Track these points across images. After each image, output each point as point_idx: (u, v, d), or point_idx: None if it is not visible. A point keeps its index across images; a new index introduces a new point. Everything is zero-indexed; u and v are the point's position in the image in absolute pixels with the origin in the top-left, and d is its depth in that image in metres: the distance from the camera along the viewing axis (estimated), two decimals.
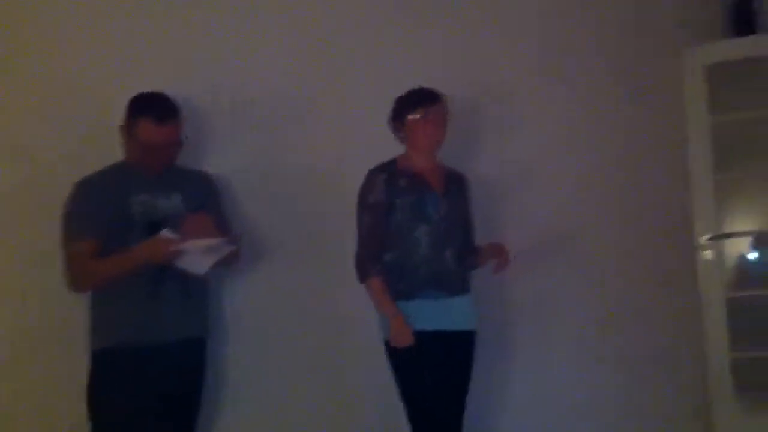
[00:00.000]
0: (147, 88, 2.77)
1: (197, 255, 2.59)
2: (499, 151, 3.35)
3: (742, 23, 3.32)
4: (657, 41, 3.37)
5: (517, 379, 3.29)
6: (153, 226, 2.64)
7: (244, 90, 3.23)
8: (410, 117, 2.84)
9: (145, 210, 2.69)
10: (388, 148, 2.90)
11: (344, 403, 3.19)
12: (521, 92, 3.37)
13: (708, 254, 3.26)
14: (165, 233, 2.58)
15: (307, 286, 3.21)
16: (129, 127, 2.71)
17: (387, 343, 2.76)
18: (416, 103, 2.84)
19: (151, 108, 2.68)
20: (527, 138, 3.34)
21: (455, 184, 2.95)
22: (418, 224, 2.78)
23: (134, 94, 2.74)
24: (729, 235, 3.33)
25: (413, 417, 2.71)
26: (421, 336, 2.70)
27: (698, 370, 3.26)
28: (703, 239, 3.25)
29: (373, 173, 2.83)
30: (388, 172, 2.83)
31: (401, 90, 2.90)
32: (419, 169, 2.86)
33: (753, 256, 3.54)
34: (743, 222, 3.52)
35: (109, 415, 2.61)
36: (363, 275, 2.78)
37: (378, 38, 3.34)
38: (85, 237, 2.61)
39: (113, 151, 2.77)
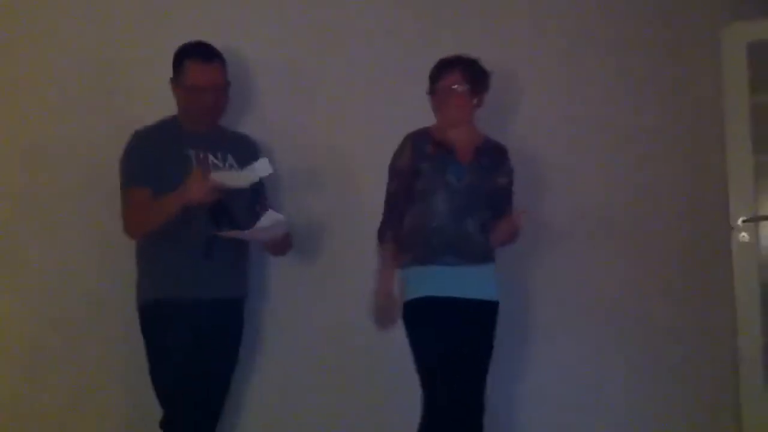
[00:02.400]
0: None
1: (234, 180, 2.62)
2: (535, 129, 3.34)
3: None
4: (696, 18, 3.34)
5: (541, 360, 3.29)
6: None
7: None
8: (428, 91, 2.86)
9: (199, 162, 2.75)
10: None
11: (376, 364, 3.21)
12: (560, 69, 3.37)
13: (744, 236, 3.23)
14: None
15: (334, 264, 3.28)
16: (177, 76, 2.80)
17: (405, 305, 2.76)
18: (430, 77, 2.85)
19: (197, 49, 2.79)
20: (563, 119, 3.33)
21: (490, 155, 2.88)
22: (437, 190, 2.77)
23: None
24: (766, 218, 3.28)
25: (426, 384, 2.68)
26: (435, 302, 2.68)
27: (729, 353, 3.24)
28: (739, 221, 3.22)
29: (406, 138, 2.84)
30: (419, 136, 2.84)
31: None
32: (450, 137, 2.82)
33: None
34: None
35: (163, 358, 2.72)
36: (378, 239, 2.87)
37: (395, 17, 3.34)
38: (140, 185, 2.70)
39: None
